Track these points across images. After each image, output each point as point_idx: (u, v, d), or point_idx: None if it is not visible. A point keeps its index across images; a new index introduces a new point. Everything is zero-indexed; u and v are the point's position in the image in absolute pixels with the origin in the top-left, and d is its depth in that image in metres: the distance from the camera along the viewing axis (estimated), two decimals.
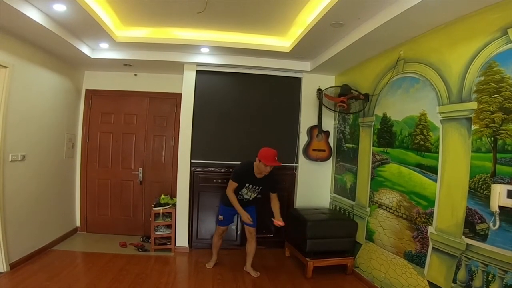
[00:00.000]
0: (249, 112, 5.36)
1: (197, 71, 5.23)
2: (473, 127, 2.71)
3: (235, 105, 5.37)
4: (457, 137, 2.87)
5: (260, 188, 4.21)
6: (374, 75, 4.27)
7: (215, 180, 5.26)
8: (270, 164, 3.94)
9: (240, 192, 4.20)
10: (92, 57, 4.81)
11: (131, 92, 5.78)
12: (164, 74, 5.77)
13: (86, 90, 5.76)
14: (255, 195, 4.25)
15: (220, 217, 4.41)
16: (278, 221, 4.12)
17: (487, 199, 2.53)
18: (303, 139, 5.37)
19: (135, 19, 4.15)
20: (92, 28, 3.90)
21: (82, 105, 5.74)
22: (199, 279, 4.18)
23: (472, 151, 2.71)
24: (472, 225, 2.67)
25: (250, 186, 4.16)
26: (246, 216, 4.16)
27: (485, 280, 2.52)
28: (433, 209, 3.11)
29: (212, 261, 4.57)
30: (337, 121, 5.31)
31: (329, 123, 5.39)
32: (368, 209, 4.26)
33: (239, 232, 5.27)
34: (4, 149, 3.82)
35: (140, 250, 5.04)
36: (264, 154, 3.98)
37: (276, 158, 3.99)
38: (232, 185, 4.15)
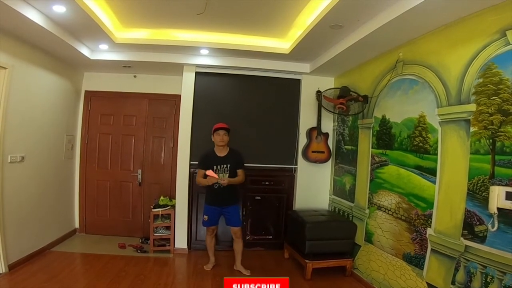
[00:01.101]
0: (248, 113, 5.36)
1: (196, 72, 5.22)
2: (472, 129, 2.72)
3: (234, 107, 5.37)
4: (456, 139, 2.88)
5: (228, 165, 4.26)
6: (373, 77, 4.27)
7: None
8: (218, 127, 4.27)
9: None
10: (92, 58, 4.82)
11: (130, 94, 5.78)
12: (163, 76, 5.77)
13: (86, 91, 5.76)
14: (227, 175, 4.24)
15: (205, 217, 4.40)
16: (217, 177, 4.12)
17: (485, 201, 2.53)
18: (302, 141, 5.38)
19: (135, 21, 4.15)
20: (91, 29, 3.90)
21: (82, 106, 5.74)
22: (198, 280, 4.18)
23: (470, 153, 2.72)
24: (470, 226, 2.67)
25: (218, 167, 4.25)
26: (212, 179, 4.12)
27: (483, 281, 2.53)
28: (432, 211, 3.11)
29: (210, 263, 4.56)
30: (336, 123, 5.32)
31: (328, 125, 5.39)
32: (367, 211, 4.26)
33: None
34: (3, 150, 3.82)
35: (139, 251, 5.03)
36: (213, 127, 4.34)
37: (222, 124, 4.31)
38: (199, 173, 4.32)
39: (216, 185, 4.21)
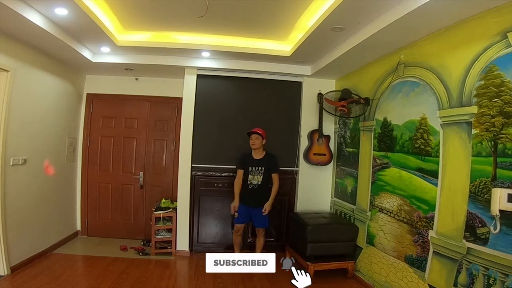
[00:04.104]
0: (250, 116, 5.36)
1: (197, 75, 5.24)
2: (474, 131, 2.72)
3: (235, 109, 5.39)
4: (457, 141, 2.88)
5: (263, 168, 4.50)
6: (374, 79, 4.28)
7: (215, 184, 5.26)
8: (250, 131, 4.53)
9: (248, 181, 4.52)
10: (94, 61, 4.83)
11: (132, 96, 5.79)
12: (165, 78, 5.79)
13: (87, 94, 5.77)
14: (261, 176, 4.49)
15: (236, 214, 4.59)
16: (264, 207, 4.46)
17: (487, 203, 2.53)
18: (303, 143, 5.38)
19: (137, 23, 4.17)
20: (93, 32, 3.91)
21: (83, 109, 5.76)
22: (199, 282, 4.18)
23: (472, 155, 2.72)
24: (472, 229, 2.67)
25: (254, 168, 4.51)
26: (233, 206, 4.54)
27: (486, 283, 2.52)
28: (434, 213, 3.11)
29: None
30: (338, 126, 5.32)
31: (329, 127, 5.39)
32: (368, 213, 4.26)
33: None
34: (5, 153, 3.83)
35: (140, 253, 5.03)
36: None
37: (255, 129, 4.54)
38: (238, 173, 4.58)
39: (250, 186, 4.51)
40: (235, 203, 4.52)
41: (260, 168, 4.50)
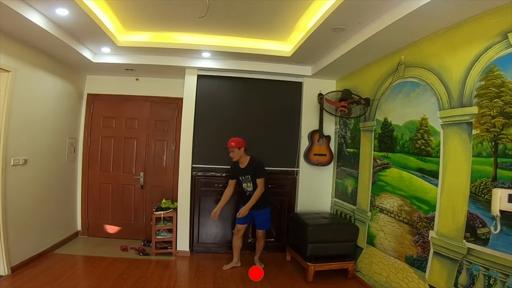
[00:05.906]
0: (250, 116, 5.37)
1: (198, 75, 5.24)
2: (474, 132, 2.72)
3: (236, 110, 5.39)
4: (458, 141, 2.88)
5: (249, 175, 4.48)
6: (375, 80, 4.28)
7: (216, 185, 5.26)
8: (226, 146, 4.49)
9: (244, 188, 4.56)
10: (94, 61, 4.84)
11: (132, 97, 5.80)
12: (165, 79, 5.79)
13: (88, 94, 5.77)
14: (251, 183, 4.47)
15: (237, 214, 4.59)
16: (239, 211, 4.49)
17: (488, 203, 2.53)
18: (304, 143, 5.38)
19: (137, 24, 4.17)
20: (94, 32, 3.92)
21: (84, 110, 5.76)
22: (199, 283, 4.18)
23: (473, 156, 2.72)
24: (473, 229, 2.67)
25: (243, 177, 4.53)
26: (212, 212, 4.59)
27: (486, 284, 2.52)
28: (434, 214, 3.11)
29: (231, 264, 4.68)
30: (338, 126, 5.32)
31: (330, 127, 5.40)
32: (369, 214, 4.26)
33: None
34: (6, 153, 3.84)
35: (141, 254, 5.03)
36: None
37: (229, 142, 4.45)
38: (229, 183, 4.70)
39: (247, 193, 4.52)
40: (215, 209, 4.56)
41: (247, 176, 4.49)
